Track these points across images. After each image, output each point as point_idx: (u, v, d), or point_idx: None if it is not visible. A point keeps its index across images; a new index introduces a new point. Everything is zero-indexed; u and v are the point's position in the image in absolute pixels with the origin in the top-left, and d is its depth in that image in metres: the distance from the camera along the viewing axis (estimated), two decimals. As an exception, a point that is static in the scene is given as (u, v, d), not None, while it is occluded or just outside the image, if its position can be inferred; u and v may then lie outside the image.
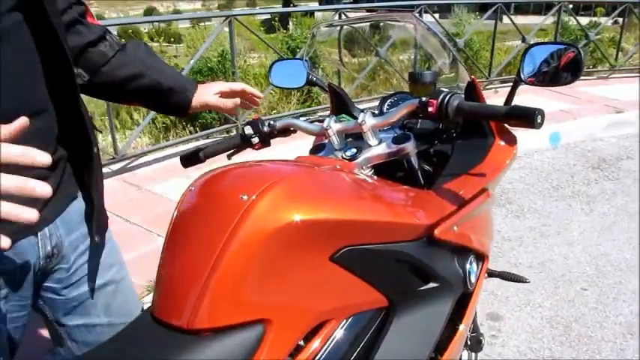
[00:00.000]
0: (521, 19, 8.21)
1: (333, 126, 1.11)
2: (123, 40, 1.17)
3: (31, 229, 0.87)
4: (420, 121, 1.23)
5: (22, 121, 0.62)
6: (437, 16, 6.10)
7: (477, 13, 6.86)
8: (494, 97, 5.60)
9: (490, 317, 2.22)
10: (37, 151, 0.59)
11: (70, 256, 0.97)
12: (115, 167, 3.53)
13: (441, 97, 0.98)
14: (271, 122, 1.24)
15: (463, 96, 1.18)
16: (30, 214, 0.58)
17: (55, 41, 0.82)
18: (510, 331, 2.14)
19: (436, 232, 0.96)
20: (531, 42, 5.94)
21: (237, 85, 1.26)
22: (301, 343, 0.81)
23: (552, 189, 3.55)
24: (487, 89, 5.81)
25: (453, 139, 1.21)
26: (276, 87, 1.61)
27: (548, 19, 6.64)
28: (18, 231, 0.83)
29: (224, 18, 3.97)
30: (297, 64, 1.39)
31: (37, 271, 0.92)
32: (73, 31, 1.00)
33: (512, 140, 1.21)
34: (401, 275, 0.94)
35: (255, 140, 1.23)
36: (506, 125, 1.20)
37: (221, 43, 4.81)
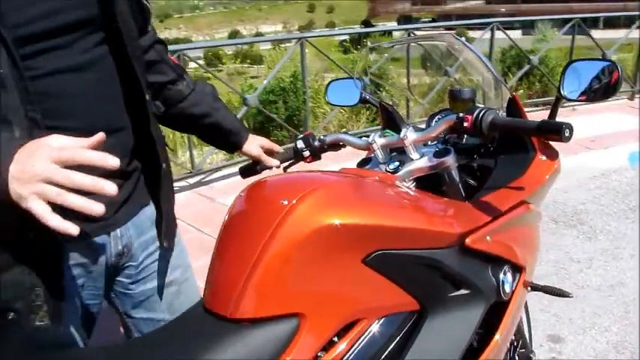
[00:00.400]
0: (610, 34, 7.85)
1: (378, 141, 1.19)
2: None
3: (105, 229, 1.00)
4: (465, 136, 1.28)
5: (100, 136, 0.74)
6: (519, 32, 6.00)
7: (557, 29, 6.65)
8: (572, 115, 5.40)
9: (551, 339, 2.17)
10: (109, 155, 0.71)
11: (139, 256, 1.10)
12: (191, 181, 3.77)
13: (475, 112, 1.03)
14: (321, 137, 1.34)
15: (504, 112, 1.22)
16: (99, 208, 0.71)
17: (132, 74, 0.97)
18: (572, 354, 2.08)
19: (467, 240, 0.99)
20: (612, 57, 5.70)
21: (276, 146, 1.41)
22: (335, 339, 0.86)
23: (629, 210, 3.38)
24: (564, 107, 5.60)
25: (495, 154, 1.25)
26: (332, 105, 1.71)
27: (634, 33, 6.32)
28: (93, 230, 0.97)
29: (297, 40, 4.15)
30: (352, 83, 1.48)
31: (110, 267, 1.05)
32: (157, 69, 1.17)
33: (553, 155, 1.22)
34: (432, 280, 0.98)
35: (307, 154, 1.34)
36: (549, 141, 1.22)
37: (297, 64, 5.02)
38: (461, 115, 1.05)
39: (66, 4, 0.85)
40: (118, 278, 1.10)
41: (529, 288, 1.27)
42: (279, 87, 4.81)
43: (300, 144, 1.34)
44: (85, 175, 0.70)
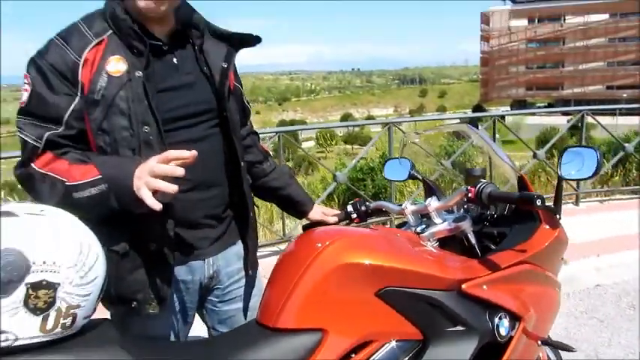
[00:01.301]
0: None
1: (409, 207, 1.49)
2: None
3: (201, 256, 1.36)
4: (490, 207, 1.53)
5: (193, 153, 1.10)
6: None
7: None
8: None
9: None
10: (179, 169, 1.09)
11: (225, 282, 1.44)
12: (282, 247, 4.14)
13: (477, 186, 1.31)
14: (367, 203, 1.67)
15: (498, 186, 1.46)
16: (173, 187, 1.08)
17: (233, 147, 1.38)
18: None
19: (463, 286, 1.23)
20: None
21: (335, 211, 1.74)
22: (352, 355, 1.13)
23: None
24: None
25: (512, 224, 1.48)
26: (387, 180, 2.02)
27: None
28: (193, 255, 1.35)
29: (384, 124, 4.59)
30: (402, 162, 1.77)
31: (203, 287, 1.40)
32: (249, 151, 1.57)
33: (554, 225, 1.44)
34: (432, 316, 1.21)
35: (354, 216, 1.66)
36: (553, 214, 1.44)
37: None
38: (468, 188, 1.33)
39: (195, 100, 1.31)
40: (208, 297, 1.45)
41: (539, 342, 1.44)
42: (367, 166, 5.22)
43: (350, 208, 1.67)
44: (167, 165, 1.09)
